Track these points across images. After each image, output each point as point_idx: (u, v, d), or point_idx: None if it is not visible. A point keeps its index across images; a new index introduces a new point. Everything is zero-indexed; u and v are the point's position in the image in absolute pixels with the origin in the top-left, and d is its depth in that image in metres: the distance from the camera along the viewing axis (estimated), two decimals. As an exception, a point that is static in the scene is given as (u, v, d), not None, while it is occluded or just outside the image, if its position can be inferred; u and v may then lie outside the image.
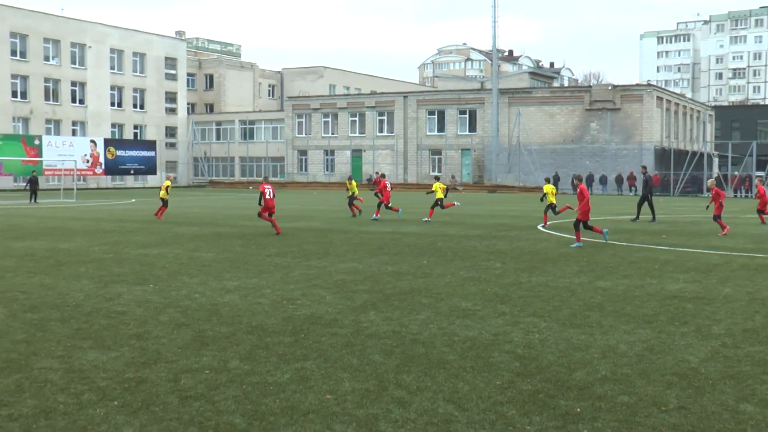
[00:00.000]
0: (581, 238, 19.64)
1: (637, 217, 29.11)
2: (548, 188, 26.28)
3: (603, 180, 66.91)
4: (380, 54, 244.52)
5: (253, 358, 7.99)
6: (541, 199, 26.86)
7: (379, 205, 29.31)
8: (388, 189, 29.42)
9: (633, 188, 65.45)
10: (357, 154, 79.05)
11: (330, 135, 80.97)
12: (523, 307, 10.91)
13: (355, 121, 79.80)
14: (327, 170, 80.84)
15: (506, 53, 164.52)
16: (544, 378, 7.30)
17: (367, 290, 12.37)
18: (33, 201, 42.21)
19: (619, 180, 66.17)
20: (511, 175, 70.69)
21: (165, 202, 29.71)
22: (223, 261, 16.12)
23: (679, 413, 6.30)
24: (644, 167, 30.99)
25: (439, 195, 29.17)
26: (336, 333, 9.19)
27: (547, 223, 26.60)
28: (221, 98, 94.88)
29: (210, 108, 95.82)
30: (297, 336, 9.01)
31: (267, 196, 22.23)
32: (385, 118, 78.45)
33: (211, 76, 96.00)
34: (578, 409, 6.38)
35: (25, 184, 45.39)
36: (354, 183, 31.35)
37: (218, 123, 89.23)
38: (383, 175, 32.17)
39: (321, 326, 9.57)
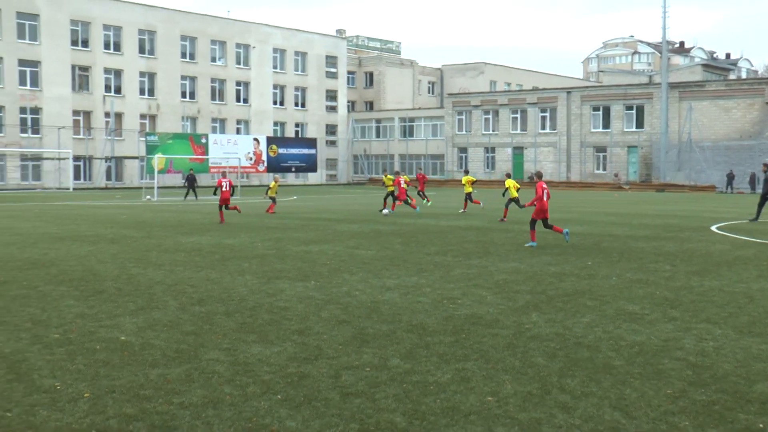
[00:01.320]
0: (535, 238, 19.23)
1: (757, 218, 27.37)
2: (509, 183, 28.68)
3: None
4: (542, 49, 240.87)
5: (414, 356, 8.05)
6: (503, 194, 29.40)
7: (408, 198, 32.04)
8: (403, 185, 31.99)
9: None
10: (518, 152, 78.26)
11: (490, 132, 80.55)
12: (696, 313, 10.45)
13: (517, 117, 79.02)
14: (487, 168, 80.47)
15: (677, 45, 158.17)
16: (720, 389, 6.96)
17: (529, 291, 12.22)
18: (193, 197, 44.39)
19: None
20: (680, 174, 67.88)
21: (274, 200, 32.47)
22: (383, 259, 16.34)
23: None
24: (766, 164, 28.84)
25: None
26: (497, 334, 9.12)
27: (506, 218, 27.63)
28: (381, 96, 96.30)
29: (370, 106, 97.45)
30: (458, 336, 9.01)
31: (223, 189, 26.85)
32: (547, 114, 77.23)
33: (371, 74, 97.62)
34: (761, 425, 6.03)
35: (183, 182, 47.77)
36: (390, 177, 33.39)
37: (378, 120, 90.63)
38: (397, 173, 33.65)
39: (482, 326, 9.52)
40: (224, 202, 27.00)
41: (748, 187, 64.57)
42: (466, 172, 34.65)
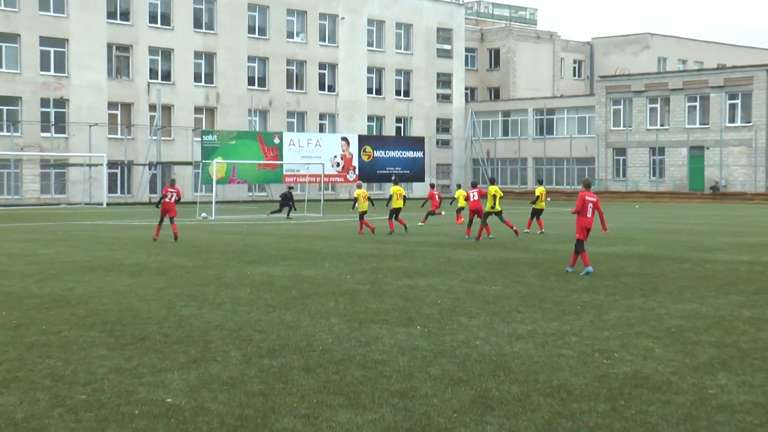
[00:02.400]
0: (588, 262, 20.65)
1: None
2: (460, 194, 38.17)
3: None
4: (729, 13, 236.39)
5: (555, 430, 7.94)
6: (451, 202, 39.41)
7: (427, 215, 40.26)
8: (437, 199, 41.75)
9: None
10: (697, 153, 76.82)
11: (658, 127, 79.38)
12: None
13: (695, 107, 77.65)
14: (654, 175, 79.25)
15: None
16: None
17: (714, 343, 11.95)
18: (287, 215, 46.07)
19: None
20: None
21: (362, 216, 33.60)
22: (512, 296, 16.23)
23: None
24: None
25: (540, 205, 33.98)
26: (670, 401, 8.94)
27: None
28: (510, 80, 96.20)
29: (495, 93, 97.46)
30: (614, 403, 8.87)
31: (167, 200, 29.20)
32: (738, 101, 75.62)
33: (497, 52, 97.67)
34: None
35: (280, 199, 48.93)
36: (463, 192, 38.24)
37: (505, 113, 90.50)
38: (432, 185, 41.63)
39: (648, 390, 9.36)
40: (166, 213, 29.44)
41: None
42: (540, 183, 39.12)
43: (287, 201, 46.85)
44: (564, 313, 14.32)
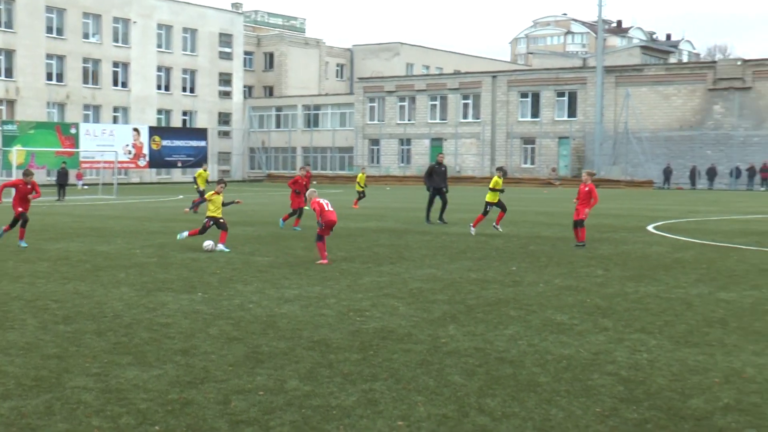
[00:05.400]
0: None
1: None
2: (361, 177, 38.43)
3: (736, 173, 65.17)
4: (465, 28, 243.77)
5: (315, 377, 8.06)
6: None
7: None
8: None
9: (766, 182, 63.88)
10: (437, 144, 79.04)
11: (406, 121, 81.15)
12: (630, 322, 10.75)
13: (436, 105, 79.79)
14: (402, 162, 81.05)
15: (613, 24, 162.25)
16: (654, 405, 7.18)
17: (446, 300, 12.37)
18: (61, 197, 43.36)
19: (751, 172, 64.48)
20: (616, 168, 69.67)
21: (202, 194, 31.31)
22: (282, 266, 16.29)
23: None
24: None
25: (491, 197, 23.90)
26: (410, 350, 9.20)
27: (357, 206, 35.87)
28: (282, 80, 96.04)
29: (269, 91, 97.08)
30: (365, 353, 9.05)
31: None
32: (470, 101, 78.24)
33: (272, 55, 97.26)
34: (694, 443, 6.26)
35: (56, 178, 46.91)
36: (362, 176, 38.64)
37: (278, 108, 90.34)
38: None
39: (393, 342, 9.59)
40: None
41: (688, 182, 66.73)
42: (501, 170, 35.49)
43: (63, 180, 44.87)
44: (326, 279, 14.47)
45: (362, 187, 38.16)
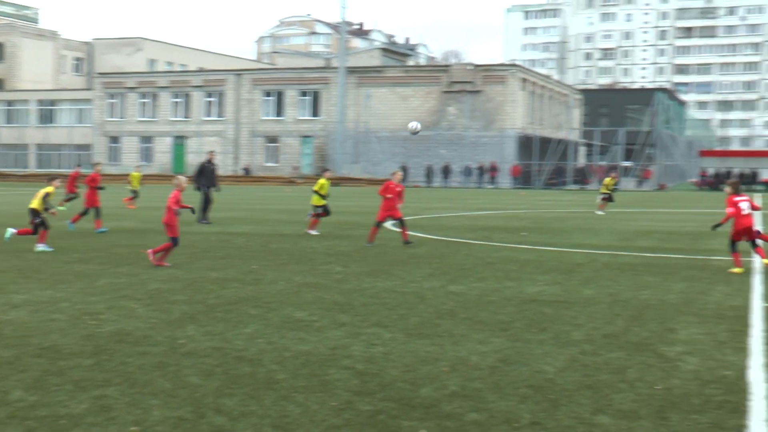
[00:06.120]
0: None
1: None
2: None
3: (467, 171, 68.69)
4: (211, 26, 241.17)
5: (42, 386, 7.68)
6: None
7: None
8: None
9: (494, 180, 67.68)
10: (180, 142, 77.75)
11: (148, 119, 79.25)
12: (366, 317, 11.03)
13: (179, 102, 78.52)
14: (143, 160, 79.03)
15: (356, 26, 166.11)
16: (386, 396, 7.40)
17: (185, 301, 12.18)
18: None
19: (481, 171, 68.16)
20: (357, 166, 71.42)
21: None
22: (9, 270, 15.42)
23: (532, 429, 6.54)
24: None
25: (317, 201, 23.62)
26: (146, 352, 8.99)
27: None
28: (14, 73, 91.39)
29: (0, 84, 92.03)
30: (99, 357, 8.75)
31: None
32: (214, 99, 77.55)
33: (2, 46, 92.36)
34: (423, 431, 6.49)
35: None
36: (136, 174, 37.93)
37: (10, 103, 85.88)
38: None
39: (129, 345, 9.33)
40: None
41: (424, 180, 69.51)
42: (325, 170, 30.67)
43: None
44: (58, 282, 13.86)
45: (135, 187, 36.82)
